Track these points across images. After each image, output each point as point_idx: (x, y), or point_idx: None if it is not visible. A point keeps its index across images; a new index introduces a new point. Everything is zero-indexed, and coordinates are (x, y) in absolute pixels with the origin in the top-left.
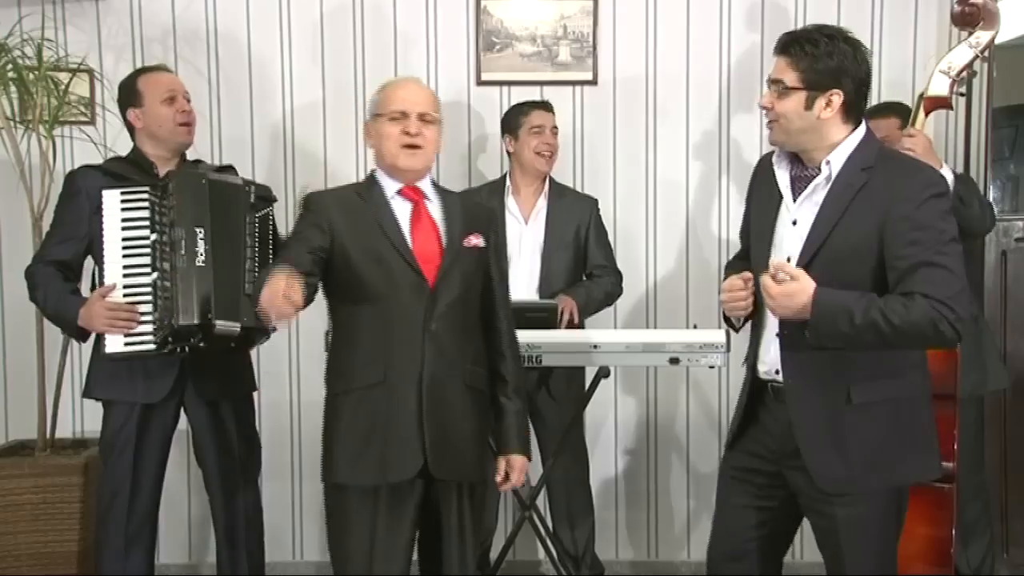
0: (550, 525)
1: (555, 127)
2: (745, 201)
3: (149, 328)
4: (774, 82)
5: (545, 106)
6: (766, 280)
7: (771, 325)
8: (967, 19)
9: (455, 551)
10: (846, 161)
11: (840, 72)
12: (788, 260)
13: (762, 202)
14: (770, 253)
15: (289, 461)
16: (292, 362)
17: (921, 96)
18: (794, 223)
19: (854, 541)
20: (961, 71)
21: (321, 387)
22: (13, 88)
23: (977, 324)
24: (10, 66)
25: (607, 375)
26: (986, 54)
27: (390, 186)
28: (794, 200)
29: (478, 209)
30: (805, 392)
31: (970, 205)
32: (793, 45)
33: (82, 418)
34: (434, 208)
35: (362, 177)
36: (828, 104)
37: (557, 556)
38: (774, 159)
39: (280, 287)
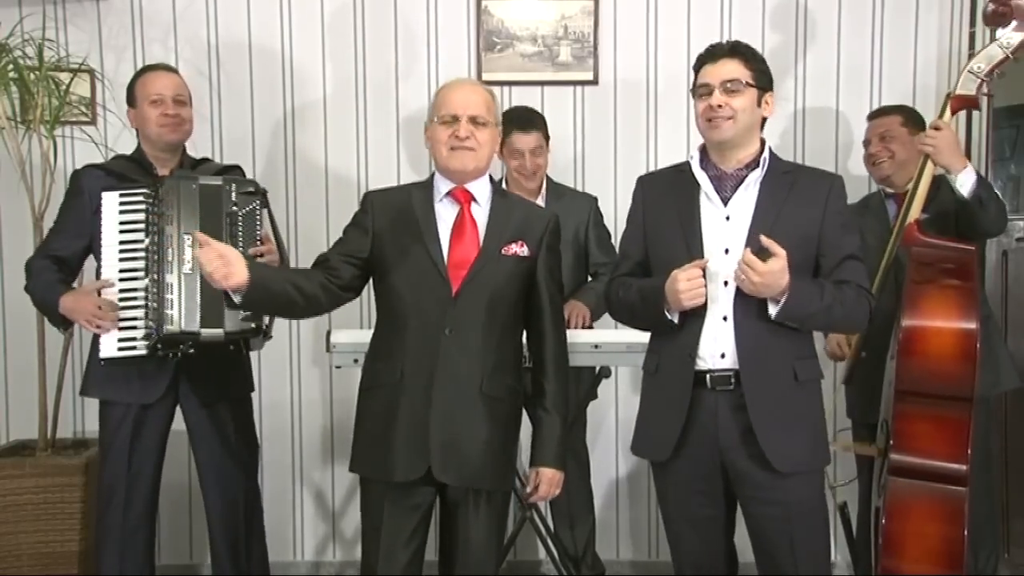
0: (551, 525)
1: (538, 147)
2: (630, 220)
3: (141, 333)
4: (727, 81)
5: (523, 126)
6: (752, 259)
7: (714, 314)
8: (999, 19)
9: (470, 560)
10: (769, 163)
11: (770, 78)
12: (727, 252)
13: (666, 210)
14: (703, 246)
15: (289, 461)
16: (292, 362)
17: (948, 95)
18: (727, 219)
19: (806, 525)
20: (990, 72)
21: (321, 387)
22: (14, 88)
23: (987, 325)
24: (11, 66)
25: (608, 375)
26: (1016, 55)
27: (441, 188)
28: (723, 199)
29: (535, 216)
30: (758, 375)
31: (988, 208)
32: (740, 48)
33: (83, 418)
34: (480, 212)
35: (362, 177)
36: (767, 104)
37: (558, 556)
38: (694, 163)
39: (213, 251)
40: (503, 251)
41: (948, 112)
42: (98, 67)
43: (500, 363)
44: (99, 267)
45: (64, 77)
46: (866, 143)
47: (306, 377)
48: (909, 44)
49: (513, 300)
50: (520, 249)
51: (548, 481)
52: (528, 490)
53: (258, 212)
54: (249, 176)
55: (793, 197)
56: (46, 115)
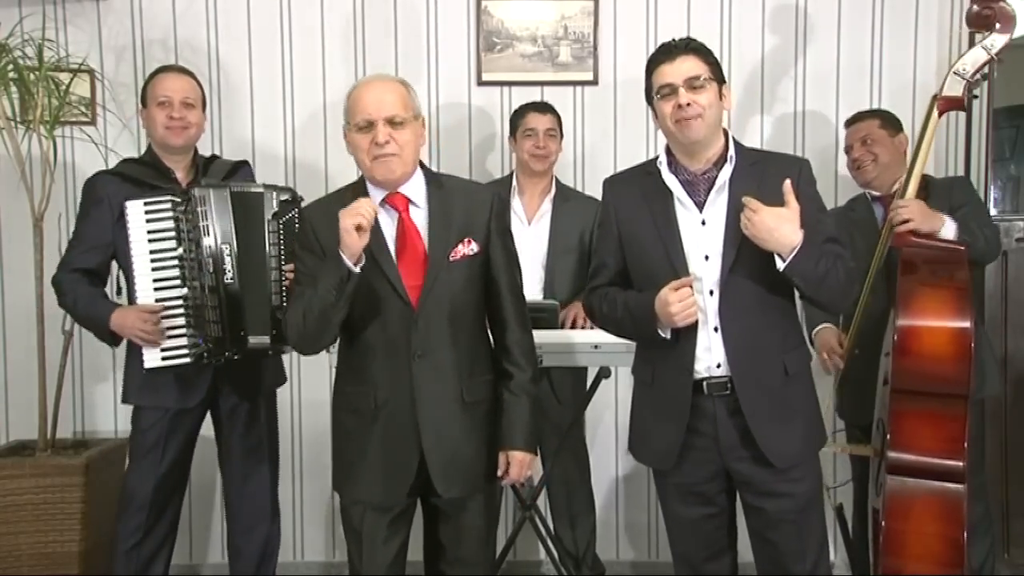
0: (551, 525)
1: (551, 129)
2: (602, 226)
3: (184, 342)
4: (690, 78)
5: (539, 108)
6: (751, 200)
7: (705, 325)
8: (983, 21)
9: (466, 551)
10: (737, 158)
11: (723, 72)
12: (707, 259)
13: (641, 217)
14: (685, 256)
15: (290, 461)
16: (292, 362)
17: (935, 97)
18: (703, 223)
19: (811, 514)
20: (975, 73)
21: (321, 387)
22: (14, 88)
23: (977, 330)
24: (11, 66)
25: (608, 375)
26: (1000, 58)
27: (376, 196)
28: (697, 203)
29: (476, 203)
30: (751, 375)
31: (976, 246)
32: (694, 44)
33: (83, 418)
34: (420, 216)
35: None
36: (725, 97)
37: (558, 556)
38: (663, 167)
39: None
40: (451, 257)
41: (935, 113)
42: (98, 67)
43: (474, 370)
44: (128, 277)
45: (64, 77)
46: (847, 149)
47: (306, 377)
48: (909, 44)
49: (474, 302)
50: (468, 248)
51: (519, 464)
52: (500, 473)
53: (296, 221)
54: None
55: (765, 190)
56: (46, 115)
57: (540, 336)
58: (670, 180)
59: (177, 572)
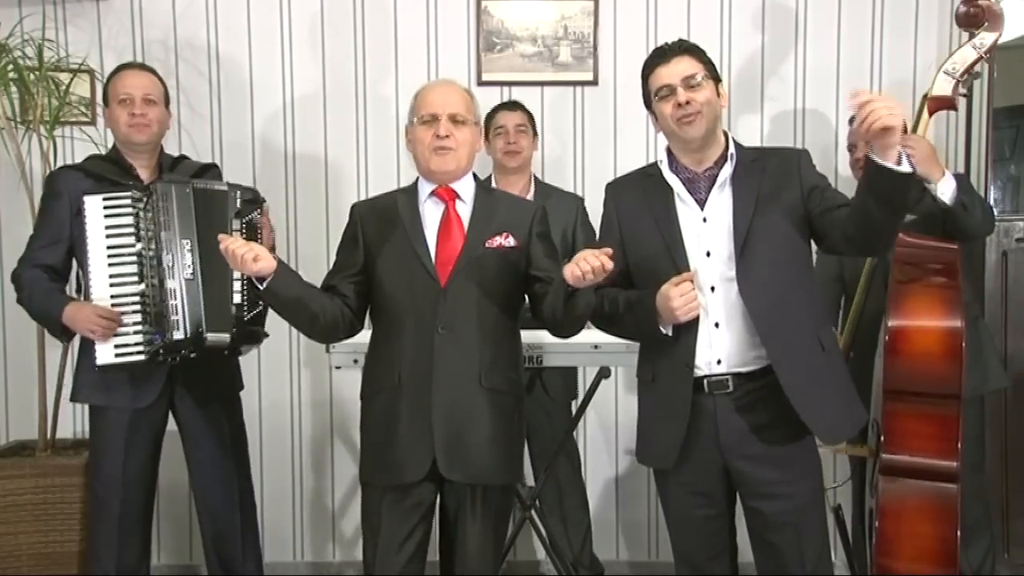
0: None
1: (522, 124)
2: (605, 229)
3: (139, 339)
4: (687, 77)
5: (508, 106)
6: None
7: (705, 321)
8: (972, 20)
9: (467, 561)
10: (738, 156)
11: (717, 70)
12: (708, 255)
13: (643, 217)
14: (687, 253)
15: (289, 461)
16: (292, 362)
17: (925, 96)
18: (704, 220)
19: (811, 518)
20: (964, 72)
21: (321, 388)
22: (14, 88)
23: (977, 325)
24: (11, 66)
25: (608, 375)
26: (989, 56)
27: (425, 189)
28: (699, 200)
29: (520, 209)
30: (790, 353)
31: (972, 212)
32: (687, 45)
33: (83, 419)
34: (465, 209)
35: (361, 178)
36: (722, 95)
37: (557, 556)
38: (663, 167)
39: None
40: (488, 243)
41: (925, 114)
42: (98, 67)
43: (497, 357)
44: (85, 273)
45: (64, 77)
46: (851, 147)
47: (306, 377)
48: (909, 44)
49: (505, 294)
50: (506, 240)
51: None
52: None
53: (257, 222)
54: (248, 177)
55: (767, 183)
56: (46, 115)
57: (540, 336)
58: (671, 179)
59: (177, 572)
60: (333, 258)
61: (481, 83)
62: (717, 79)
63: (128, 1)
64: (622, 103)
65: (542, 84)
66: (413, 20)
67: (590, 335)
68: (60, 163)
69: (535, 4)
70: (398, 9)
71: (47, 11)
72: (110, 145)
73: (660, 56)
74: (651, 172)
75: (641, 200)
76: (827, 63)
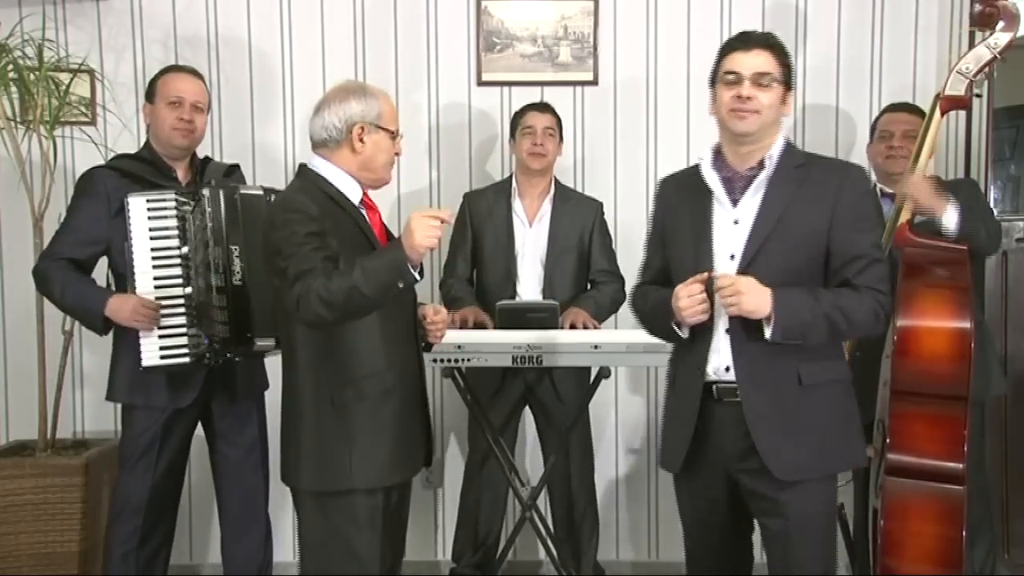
0: (551, 525)
1: (550, 128)
2: (651, 224)
3: (184, 341)
4: (760, 74)
5: (539, 107)
6: (723, 276)
7: (719, 326)
8: (987, 20)
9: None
10: (779, 159)
11: (792, 77)
12: (732, 258)
13: (681, 215)
14: (712, 254)
15: None
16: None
17: (938, 96)
18: (736, 222)
19: (805, 541)
20: (978, 72)
21: None
22: (14, 88)
23: (981, 329)
24: (11, 66)
25: (608, 375)
26: (1004, 56)
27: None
28: (733, 200)
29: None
30: (757, 381)
31: (978, 237)
32: (772, 41)
33: (83, 418)
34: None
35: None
36: (787, 103)
37: (558, 557)
38: (704, 165)
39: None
40: None
41: (937, 113)
42: (98, 67)
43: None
44: (130, 274)
45: (64, 77)
46: (886, 135)
47: None
48: (909, 44)
49: None
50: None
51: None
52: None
53: None
54: (248, 177)
55: (802, 194)
56: (46, 115)
57: (540, 336)
58: (709, 177)
59: (177, 572)
60: None
61: (481, 83)
62: (789, 86)
63: (128, 1)
64: (622, 103)
65: (542, 84)
66: (413, 20)
67: (590, 335)
68: (60, 163)
69: (535, 4)
70: (398, 10)
71: (47, 11)
72: (111, 145)
73: (743, 42)
74: (697, 170)
75: (683, 197)
76: (827, 63)
